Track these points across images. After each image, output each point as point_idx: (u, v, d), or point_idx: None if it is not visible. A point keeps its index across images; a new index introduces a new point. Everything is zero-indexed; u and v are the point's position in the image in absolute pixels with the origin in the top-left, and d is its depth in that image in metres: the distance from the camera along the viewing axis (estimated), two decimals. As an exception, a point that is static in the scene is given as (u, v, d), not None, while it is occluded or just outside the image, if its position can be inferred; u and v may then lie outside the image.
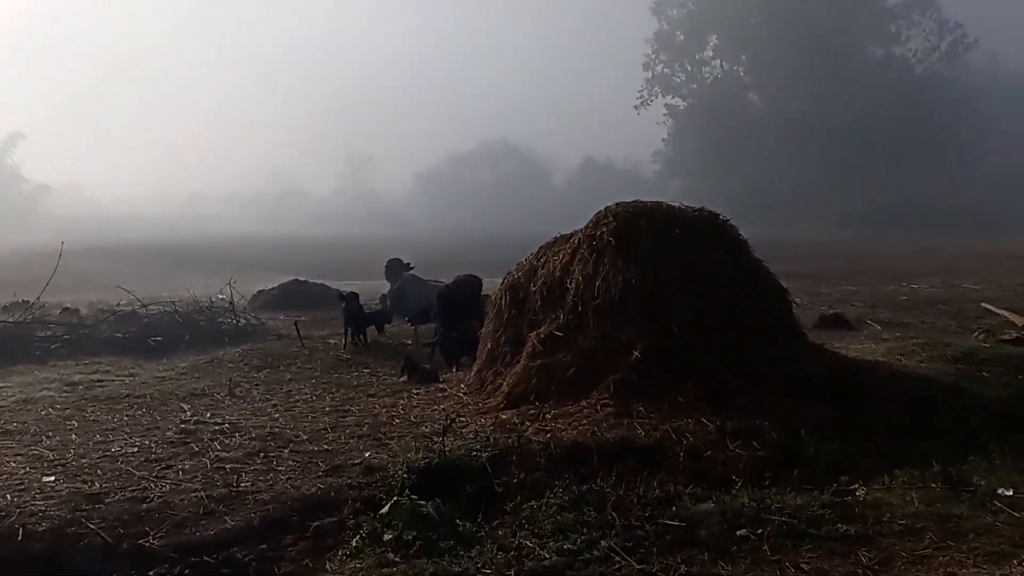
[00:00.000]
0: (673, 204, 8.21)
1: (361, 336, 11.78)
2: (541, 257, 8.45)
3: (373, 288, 17.74)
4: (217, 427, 7.25)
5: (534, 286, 8.20)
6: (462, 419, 7.13)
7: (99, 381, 9.70)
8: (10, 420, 7.72)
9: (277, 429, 7.16)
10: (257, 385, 9.41)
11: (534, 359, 7.62)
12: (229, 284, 14.49)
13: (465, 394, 8.23)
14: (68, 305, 15.77)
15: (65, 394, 8.96)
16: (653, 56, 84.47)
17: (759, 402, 6.57)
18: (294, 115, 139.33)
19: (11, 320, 12.68)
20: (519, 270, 8.60)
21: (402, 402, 8.16)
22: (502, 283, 8.76)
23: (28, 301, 15.37)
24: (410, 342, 11.87)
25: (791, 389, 6.82)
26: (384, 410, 7.86)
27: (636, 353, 7.03)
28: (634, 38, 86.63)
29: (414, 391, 8.70)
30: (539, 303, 8.06)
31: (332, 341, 12.16)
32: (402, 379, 9.42)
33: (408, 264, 15.56)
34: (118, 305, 15.13)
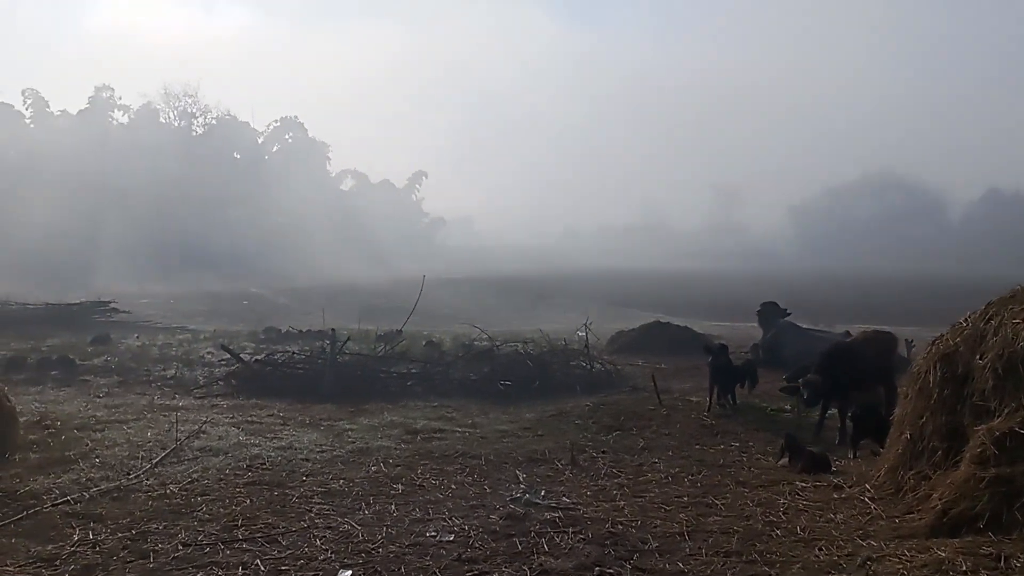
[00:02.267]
0: None
1: (729, 396, 9.93)
2: (990, 318, 6.03)
3: (743, 333, 15.77)
4: (549, 516, 5.87)
5: (981, 359, 5.84)
6: (873, 543, 5.05)
7: (439, 431, 8.90)
8: (339, 475, 7.02)
9: (620, 527, 5.62)
10: (604, 452, 7.98)
11: (984, 466, 5.30)
12: (586, 325, 13.41)
13: (873, 499, 6.06)
14: (433, 338, 15.77)
15: (402, 445, 8.22)
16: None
17: None
18: (663, 146, 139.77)
19: (374, 353, 12.62)
20: (956, 334, 6.23)
21: (783, 501, 6.21)
22: (929, 350, 6.45)
23: (399, 331, 15.67)
24: (790, 409, 9.75)
25: None
26: (759, 510, 5.99)
27: None
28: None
29: (798, 482, 6.71)
30: (990, 384, 5.69)
31: (694, 398, 10.44)
32: (781, 461, 7.45)
33: (785, 310, 13.41)
34: (473, 342, 14.72)
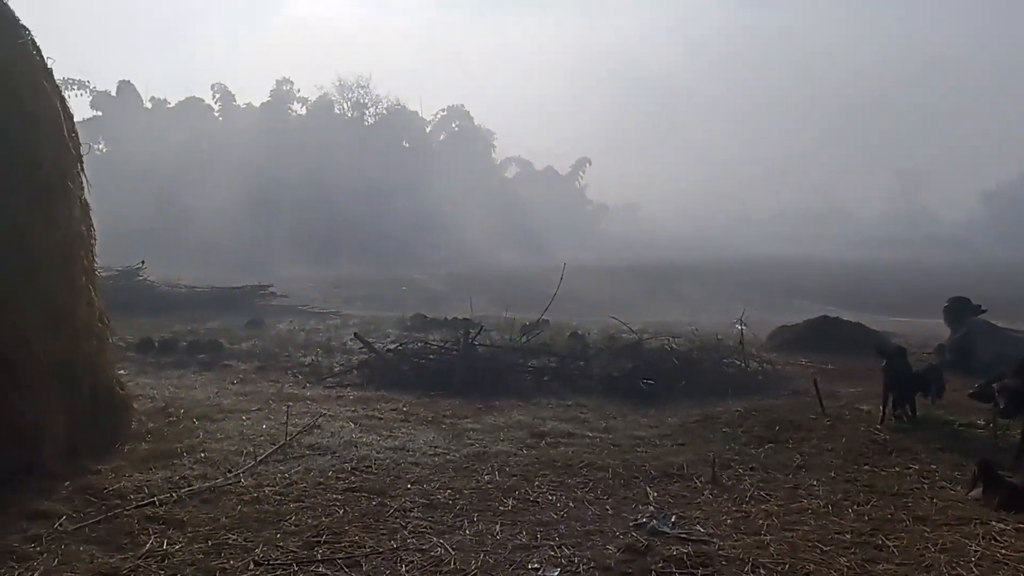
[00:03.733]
0: None
1: (907, 407, 8.54)
2: None
3: (927, 332, 14.01)
4: (676, 551, 4.94)
5: None
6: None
7: (568, 436, 8.07)
8: (447, 484, 6.34)
9: (763, 571, 4.62)
10: (752, 469, 6.90)
11: None
12: (740, 320, 12.20)
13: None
14: (579, 330, 14.94)
15: (524, 451, 7.46)
16: None
17: None
18: (839, 128, 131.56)
19: (512, 344, 11.92)
20: None
21: (975, 547, 5.01)
22: None
23: (544, 321, 14.95)
24: (983, 424, 8.24)
25: None
26: (943, 558, 4.85)
27: None
28: None
29: (995, 522, 5.45)
30: None
31: (865, 408, 9.08)
32: (973, 493, 6.15)
33: (978, 307, 11.69)
34: (621, 334, 13.76)
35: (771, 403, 9.44)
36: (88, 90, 62.60)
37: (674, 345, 11.79)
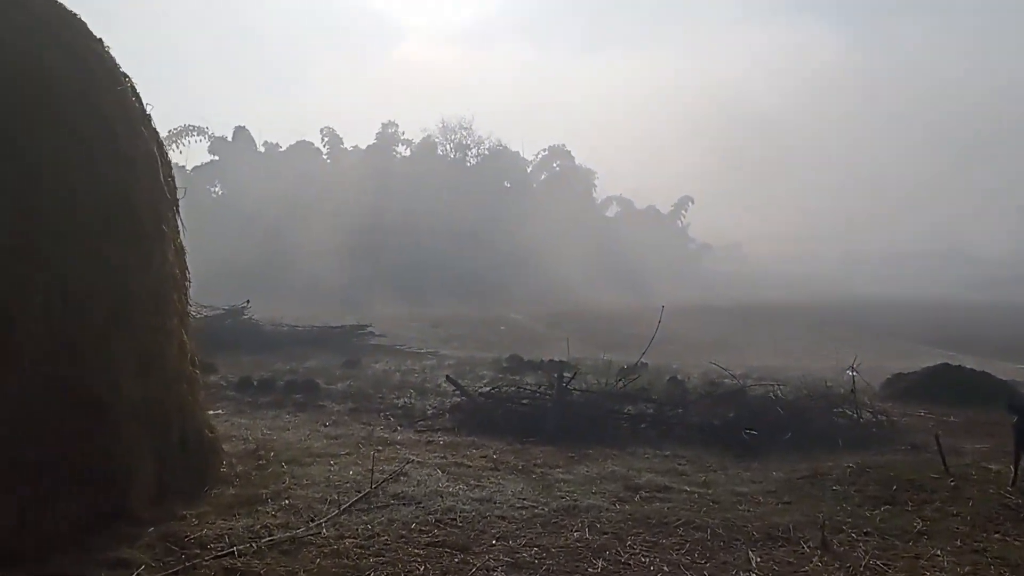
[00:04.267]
0: None
1: (1043, 468, 7.76)
2: None
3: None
4: (779, 628, 4.49)
5: None
6: None
7: (664, 489, 7.63)
8: (534, 541, 6.03)
9: (878, 657, 4.13)
10: (866, 534, 6.33)
11: None
12: (852, 366, 11.49)
13: None
14: (679, 375, 14.43)
15: (617, 505, 7.06)
16: None
17: None
18: (958, 165, 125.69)
19: (606, 389, 11.53)
20: None
21: None
22: None
23: (643, 364, 14.54)
24: None
25: None
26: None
27: None
28: None
29: None
30: None
31: (994, 467, 8.31)
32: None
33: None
34: (722, 379, 13.18)
35: (887, 459, 8.75)
36: (207, 136, 65.63)
37: (779, 393, 11.16)
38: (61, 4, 6.35)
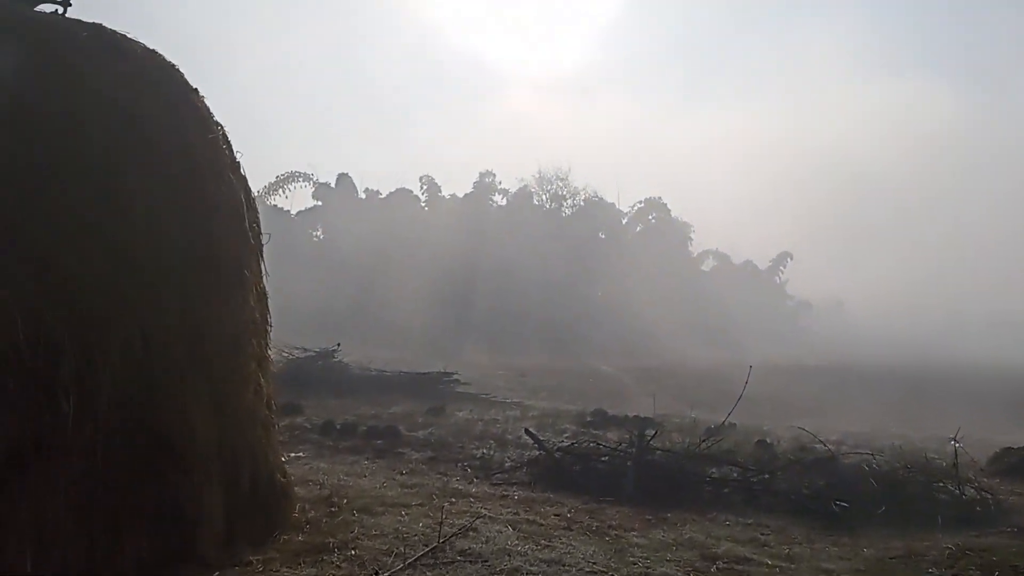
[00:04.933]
0: None
1: None
2: None
3: None
4: None
5: None
6: None
7: (743, 561, 7.25)
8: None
9: None
10: (963, 624, 5.85)
11: None
12: (955, 438, 10.82)
13: None
14: (768, 438, 13.90)
15: (692, 575, 6.75)
16: None
17: None
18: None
19: (690, 450, 11.14)
20: None
21: None
22: None
23: (730, 424, 14.12)
24: None
25: None
26: None
27: None
28: None
29: None
30: None
31: (1111, 557, 7.63)
32: None
33: None
34: (813, 444, 12.59)
35: (991, 541, 8.12)
36: (312, 182, 68.01)
37: (875, 463, 10.58)
38: (160, 55, 6.63)
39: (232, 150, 7.02)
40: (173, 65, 6.70)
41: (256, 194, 7.80)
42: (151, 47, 6.75)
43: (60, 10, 6.72)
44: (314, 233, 67.14)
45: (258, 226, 7.23)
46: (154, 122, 6.30)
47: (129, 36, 6.58)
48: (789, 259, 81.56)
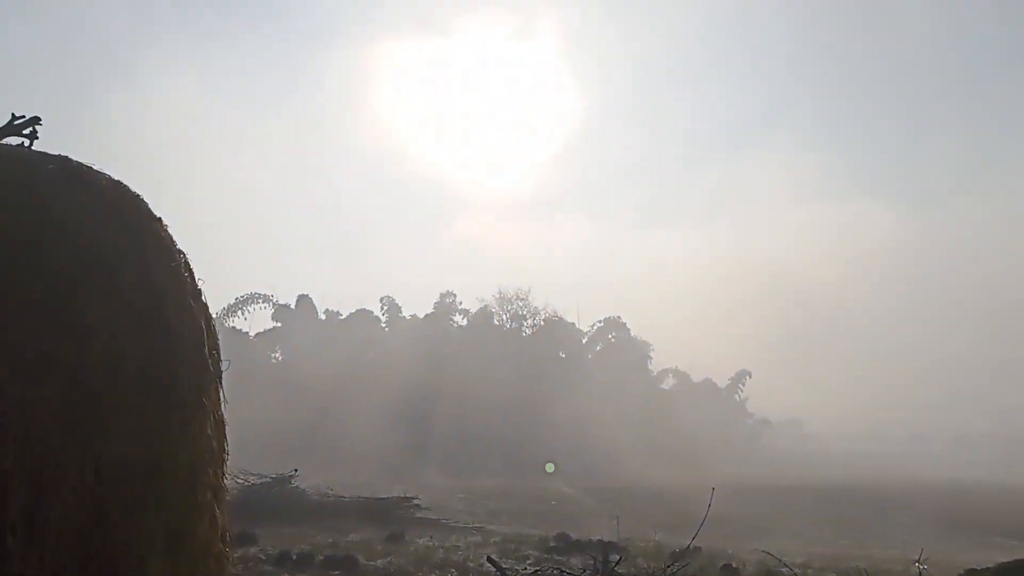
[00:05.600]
0: None
1: None
2: None
3: None
4: None
5: None
6: None
7: None
8: None
9: None
10: None
11: None
12: (919, 560, 10.79)
13: None
14: (732, 562, 13.74)
15: None
16: None
17: None
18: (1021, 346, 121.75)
19: (640, 575, 10.98)
20: None
21: None
22: None
23: (696, 548, 13.96)
24: None
25: None
26: None
27: None
28: None
29: None
30: None
31: None
32: None
33: None
34: (775, 568, 12.47)
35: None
36: (271, 303, 67.84)
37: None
38: (125, 186, 6.73)
39: (194, 277, 7.05)
40: (138, 195, 6.80)
41: (215, 316, 7.82)
42: (116, 178, 6.87)
43: (26, 143, 6.85)
44: (273, 355, 66.57)
45: (218, 352, 7.20)
46: (117, 251, 6.34)
47: (95, 168, 6.70)
48: (748, 376, 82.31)
